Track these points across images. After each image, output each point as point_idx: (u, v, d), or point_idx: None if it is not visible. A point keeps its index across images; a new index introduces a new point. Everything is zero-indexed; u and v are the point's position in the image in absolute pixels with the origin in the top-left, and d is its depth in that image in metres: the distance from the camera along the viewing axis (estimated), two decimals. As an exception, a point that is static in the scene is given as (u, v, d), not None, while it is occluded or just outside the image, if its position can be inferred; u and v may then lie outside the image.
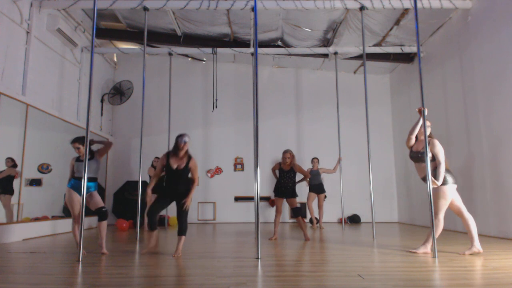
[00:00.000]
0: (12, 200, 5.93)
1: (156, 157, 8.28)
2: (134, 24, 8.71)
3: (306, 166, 9.25)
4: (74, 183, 4.45)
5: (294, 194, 6.03)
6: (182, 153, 4.47)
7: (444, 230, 7.12)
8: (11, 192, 5.95)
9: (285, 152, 6.11)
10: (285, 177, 6.06)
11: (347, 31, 7.96)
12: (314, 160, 8.40)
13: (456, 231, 6.87)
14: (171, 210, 8.92)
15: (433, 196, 4.17)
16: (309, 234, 6.38)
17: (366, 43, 7.63)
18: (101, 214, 4.49)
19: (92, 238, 6.37)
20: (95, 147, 4.87)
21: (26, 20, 6.51)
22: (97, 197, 4.55)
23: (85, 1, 6.83)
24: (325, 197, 9.45)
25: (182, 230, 4.35)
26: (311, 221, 8.31)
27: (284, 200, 6.09)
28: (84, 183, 4.09)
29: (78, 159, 4.54)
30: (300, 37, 8.58)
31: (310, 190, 8.18)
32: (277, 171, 6.29)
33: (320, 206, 8.21)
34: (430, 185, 4.31)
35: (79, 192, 4.35)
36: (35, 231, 6.35)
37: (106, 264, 3.89)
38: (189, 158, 4.52)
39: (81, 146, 4.50)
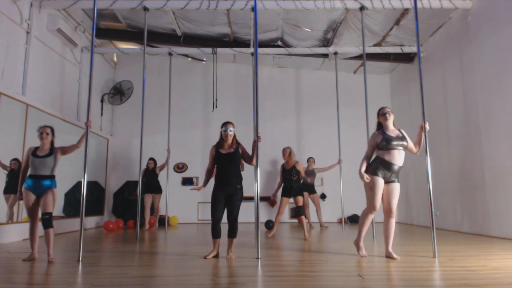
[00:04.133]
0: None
1: (151, 158, 8.24)
2: (134, 24, 8.70)
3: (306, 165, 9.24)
4: (30, 183, 4.03)
5: (299, 192, 6.18)
6: (228, 144, 4.22)
7: (444, 230, 7.12)
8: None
9: (283, 149, 6.40)
10: (288, 175, 6.23)
11: (347, 31, 7.96)
12: (310, 159, 8.43)
13: (456, 231, 6.86)
14: (170, 210, 8.92)
15: (395, 192, 4.02)
16: (308, 234, 6.38)
17: (366, 43, 7.62)
18: (43, 221, 4.01)
19: (90, 238, 6.37)
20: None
21: (26, 20, 6.50)
22: (49, 197, 4.03)
23: (85, 1, 6.82)
24: (325, 196, 9.46)
25: (233, 232, 4.13)
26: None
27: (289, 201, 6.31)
28: (84, 181, 4.07)
29: (34, 154, 4.09)
30: (300, 37, 8.58)
31: (304, 190, 8.19)
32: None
33: (317, 206, 8.22)
34: (431, 184, 4.31)
35: (36, 192, 4.03)
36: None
37: (106, 264, 3.90)
38: (238, 144, 4.29)
39: (50, 135, 4.16)
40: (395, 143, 4.00)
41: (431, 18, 7.26)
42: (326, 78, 10.04)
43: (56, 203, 4.16)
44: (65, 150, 4.24)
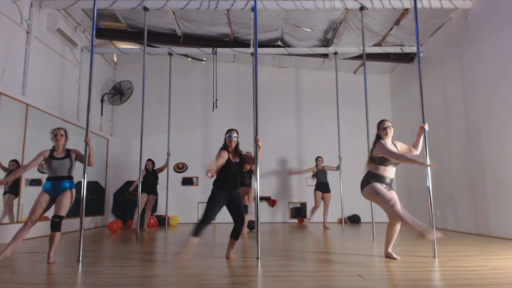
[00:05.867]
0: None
1: (149, 159, 8.18)
2: (134, 24, 8.70)
3: (307, 165, 9.24)
4: (49, 185, 4.03)
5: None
6: (232, 149, 4.27)
7: (444, 230, 7.12)
8: (16, 193, 5.96)
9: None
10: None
11: (347, 31, 7.96)
12: (319, 159, 8.40)
13: (456, 231, 6.86)
14: (170, 210, 8.92)
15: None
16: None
17: (366, 43, 7.62)
18: (52, 223, 3.97)
19: (90, 238, 6.36)
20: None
21: (26, 20, 6.50)
22: (65, 200, 4.01)
23: (85, 1, 6.83)
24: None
25: (239, 234, 4.07)
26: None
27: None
28: (84, 181, 4.07)
29: (52, 156, 4.05)
30: (300, 37, 8.58)
31: (316, 188, 8.20)
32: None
33: (326, 206, 8.17)
34: (431, 184, 4.31)
35: (54, 193, 4.01)
36: (35, 231, 6.33)
37: (106, 264, 3.89)
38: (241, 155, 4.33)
39: (64, 136, 4.11)
40: (393, 160, 3.97)
41: (431, 18, 7.25)
42: (326, 78, 10.05)
43: (71, 205, 4.12)
44: (79, 156, 4.19)
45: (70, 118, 7.75)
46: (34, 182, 6.65)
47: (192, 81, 10.29)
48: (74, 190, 4.13)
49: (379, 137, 4.16)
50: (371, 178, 4.02)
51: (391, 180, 4.07)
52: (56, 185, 4.04)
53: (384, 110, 10.10)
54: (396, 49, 8.47)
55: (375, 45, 8.54)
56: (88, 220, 8.26)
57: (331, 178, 9.22)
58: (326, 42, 8.79)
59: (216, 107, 8.87)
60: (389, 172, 4.05)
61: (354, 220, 9.30)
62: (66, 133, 4.17)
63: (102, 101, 9.39)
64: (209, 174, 4.35)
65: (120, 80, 9.63)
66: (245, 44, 8.95)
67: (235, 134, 4.27)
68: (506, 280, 2.91)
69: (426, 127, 4.24)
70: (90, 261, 3.94)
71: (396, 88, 10.05)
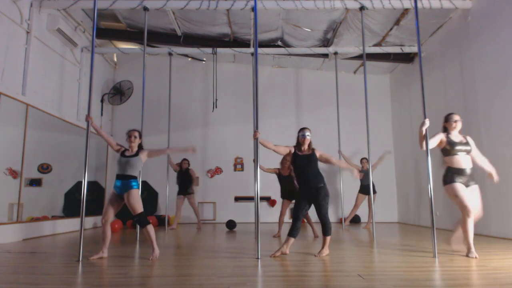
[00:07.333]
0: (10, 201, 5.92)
1: (184, 159, 8.27)
2: (134, 24, 8.70)
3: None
4: (116, 183, 4.24)
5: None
6: (305, 147, 4.47)
7: (444, 230, 7.12)
8: None
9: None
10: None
11: (347, 31, 7.96)
12: (364, 160, 8.37)
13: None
14: (171, 210, 8.92)
15: (476, 195, 4.23)
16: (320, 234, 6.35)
17: (366, 43, 7.62)
18: (137, 223, 4.22)
19: (92, 238, 6.37)
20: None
21: (26, 20, 6.50)
22: (132, 200, 4.11)
23: (85, 1, 6.82)
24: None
25: (326, 230, 4.23)
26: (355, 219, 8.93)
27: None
28: (85, 181, 4.08)
29: (123, 154, 4.30)
30: (300, 37, 8.58)
31: (360, 191, 8.21)
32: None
33: (369, 206, 8.01)
34: (431, 184, 4.31)
35: (120, 192, 4.18)
36: (35, 231, 6.34)
37: (106, 264, 3.89)
38: (313, 150, 4.48)
39: (138, 138, 4.30)
40: (457, 148, 4.19)
41: (431, 18, 7.25)
42: (326, 78, 10.04)
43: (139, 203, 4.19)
44: (151, 153, 4.39)
45: (70, 118, 7.75)
46: (34, 182, 6.66)
47: (192, 81, 10.29)
48: (136, 190, 4.22)
49: (445, 129, 4.36)
50: (449, 174, 4.23)
51: (471, 170, 4.25)
52: (122, 184, 4.20)
53: (384, 110, 10.11)
54: (396, 49, 8.46)
55: (375, 45, 8.54)
56: (88, 220, 8.24)
57: (331, 177, 9.22)
58: (326, 42, 8.79)
59: (216, 107, 8.87)
60: (462, 162, 4.22)
61: (353, 220, 9.29)
62: (140, 135, 4.39)
63: (102, 101, 9.39)
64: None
65: (120, 80, 9.63)
66: (245, 44, 8.95)
67: (308, 133, 4.45)
68: (506, 280, 2.91)
69: (427, 122, 4.20)
70: (90, 261, 3.94)
71: (396, 88, 10.05)
